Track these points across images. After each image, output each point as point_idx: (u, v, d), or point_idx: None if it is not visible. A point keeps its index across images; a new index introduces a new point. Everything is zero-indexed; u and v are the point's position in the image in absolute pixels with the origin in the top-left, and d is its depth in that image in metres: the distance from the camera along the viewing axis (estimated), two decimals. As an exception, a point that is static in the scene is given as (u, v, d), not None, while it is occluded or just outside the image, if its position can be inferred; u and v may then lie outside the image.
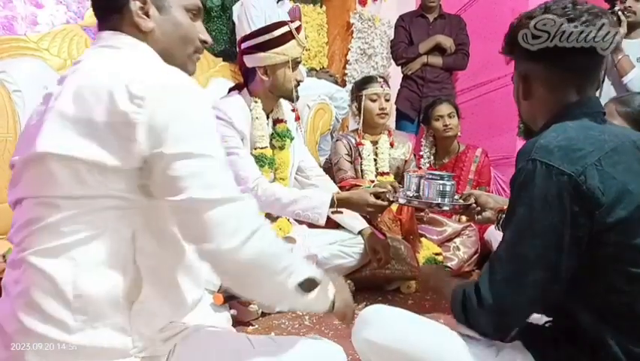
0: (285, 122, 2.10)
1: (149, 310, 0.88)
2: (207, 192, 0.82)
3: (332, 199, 1.91)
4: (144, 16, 0.93)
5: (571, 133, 0.98)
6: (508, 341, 1.13)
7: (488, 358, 1.06)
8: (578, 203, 0.92)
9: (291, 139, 2.09)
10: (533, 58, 1.04)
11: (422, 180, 1.80)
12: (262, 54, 1.93)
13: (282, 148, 2.06)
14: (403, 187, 1.93)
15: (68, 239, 0.83)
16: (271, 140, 2.06)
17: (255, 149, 2.00)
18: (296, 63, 1.99)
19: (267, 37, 1.92)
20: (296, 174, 2.19)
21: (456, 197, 1.77)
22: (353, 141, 2.57)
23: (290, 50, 1.94)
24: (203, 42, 1.02)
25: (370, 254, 2.08)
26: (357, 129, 2.62)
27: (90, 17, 2.26)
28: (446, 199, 1.74)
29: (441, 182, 1.75)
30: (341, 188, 2.24)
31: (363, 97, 2.51)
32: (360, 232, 2.12)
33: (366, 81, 2.61)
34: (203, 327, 1.00)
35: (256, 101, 2.00)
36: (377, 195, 1.87)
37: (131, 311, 0.86)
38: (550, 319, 1.11)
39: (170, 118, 0.81)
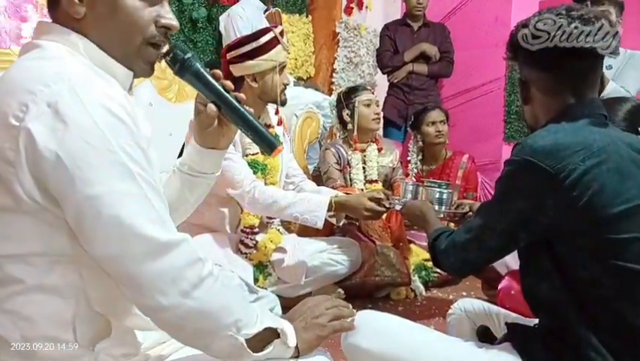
0: (273, 127, 2.11)
1: (114, 344, 0.81)
2: (132, 244, 0.72)
3: (330, 203, 1.92)
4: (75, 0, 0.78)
5: (560, 133, 1.01)
6: (497, 343, 1.15)
7: (475, 359, 1.07)
8: (554, 197, 0.97)
9: (280, 144, 2.10)
10: (531, 63, 1.08)
11: (420, 188, 1.83)
12: (250, 62, 1.94)
13: (271, 153, 2.06)
14: (393, 195, 1.95)
15: (6, 290, 0.75)
16: None
17: (247, 155, 2.00)
18: (282, 67, 2.01)
19: (253, 45, 1.94)
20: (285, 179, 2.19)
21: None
22: (342, 149, 2.57)
23: (276, 55, 1.96)
24: (165, 28, 0.83)
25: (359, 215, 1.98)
26: (345, 137, 2.63)
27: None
28: (443, 207, 1.77)
29: (438, 190, 1.78)
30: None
31: (357, 103, 2.52)
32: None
33: (356, 88, 2.64)
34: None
35: None
36: (374, 200, 1.89)
37: (95, 350, 0.79)
38: (539, 320, 1.13)
39: (62, 155, 0.69)
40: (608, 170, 0.97)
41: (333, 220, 2.02)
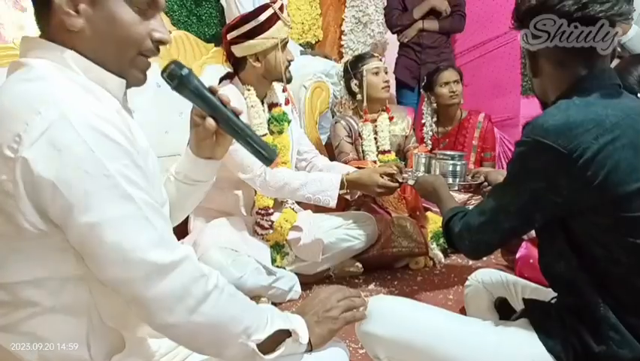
0: (281, 105, 2.08)
1: (129, 355, 0.84)
2: (135, 268, 0.73)
3: (342, 181, 1.91)
4: (72, 12, 0.77)
5: (571, 110, 0.98)
6: (514, 319, 1.15)
7: (489, 337, 1.07)
8: (568, 177, 0.95)
9: (289, 122, 2.08)
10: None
11: (433, 161, 1.80)
12: (251, 42, 1.90)
13: (280, 132, 2.04)
14: (407, 167, 1.92)
15: (21, 313, 0.77)
16: (269, 125, 2.03)
17: None
18: (284, 44, 1.95)
19: (253, 24, 1.88)
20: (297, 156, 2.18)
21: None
22: (352, 121, 2.52)
23: (277, 31, 1.91)
24: (158, 42, 0.84)
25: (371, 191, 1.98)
26: (355, 108, 2.57)
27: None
28: (457, 179, 1.74)
29: (452, 162, 1.75)
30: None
31: (364, 72, 2.45)
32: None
33: (363, 57, 2.56)
34: None
35: (249, 89, 1.98)
36: (387, 175, 1.87)
37: None
38: (556, 295, 1.12)
39: (58, 183, 0.69)
40: (623, 146, 0.94)
41: (347, 196, 2.01)
